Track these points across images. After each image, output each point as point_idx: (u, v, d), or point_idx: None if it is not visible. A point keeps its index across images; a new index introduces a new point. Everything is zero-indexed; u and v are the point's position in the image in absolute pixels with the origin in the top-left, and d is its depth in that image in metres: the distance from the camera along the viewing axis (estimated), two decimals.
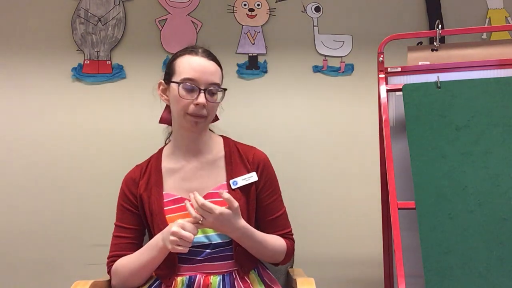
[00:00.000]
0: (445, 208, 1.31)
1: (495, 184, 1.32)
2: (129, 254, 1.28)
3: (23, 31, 2.09)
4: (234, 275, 1.25)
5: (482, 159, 1.35)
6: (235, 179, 1.27)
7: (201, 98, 1.21)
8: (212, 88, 1.24)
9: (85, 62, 2.08)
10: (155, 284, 1.26)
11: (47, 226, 2.03)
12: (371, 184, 1.88)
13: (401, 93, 1.49)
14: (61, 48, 2.08)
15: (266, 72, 2.11)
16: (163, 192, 1.28)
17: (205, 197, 1.24)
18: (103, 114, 2.08)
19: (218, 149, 1.34)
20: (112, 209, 2.09)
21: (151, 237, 1.29)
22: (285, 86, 2.12)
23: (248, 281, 1.27)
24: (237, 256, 1.26)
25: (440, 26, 1.58)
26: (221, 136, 1.41)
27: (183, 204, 1.24)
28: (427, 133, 1.41)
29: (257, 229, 1.29)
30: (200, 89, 1.21)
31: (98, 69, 2.08)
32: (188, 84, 1.21)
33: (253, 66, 2.10)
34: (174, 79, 1.23)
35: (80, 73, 2.07)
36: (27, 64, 2.08)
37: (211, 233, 1.25)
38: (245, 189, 1.28)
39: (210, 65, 1.24)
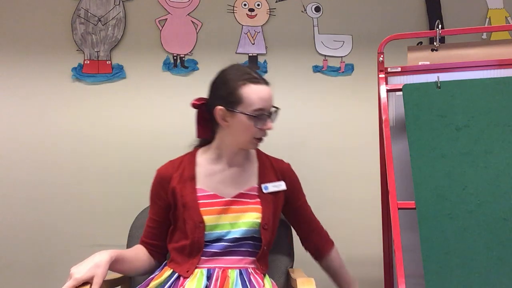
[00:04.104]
0: (445, 208, 1.31)
1: (495, 184, 1.32)
2: (152, 242, 1.38)
3: (23, 31, 2.09)
4: (250, 270, 1.30)
5: (482, 159, 1.35)
6: (266, 184, 1.37)
7: (270, 124, 1.31)
8: (273, 110, 1.33)
9: (85, 62, 2.08)
10: (173, 277, 1.29)
11: (47, 226, 2.03)
12: (371, 184, 1.87)
13: (401, 93, 1.49)
14: (61, 48, 2.08)
15: (266, 72, 2.11)
16: (196, 187, 1.34)
17: (237, 196, 1.33)
18: (103, 114, 2.08)
19: (254, 158, 1.44)
20: (111, 209, 2.10)
21: (175, 230, 1.35)
22: (285, 86, 2.12)
23: (261, 277, 1.31)
24: (260, 256, 1.32)
25: (440, 26, 1.58)
26: None
27: (217, 200, 1.31)
28: (427, 133, 1.40)
29: (296, 228, 1.47)
30: (267, 116, 1.30)
31: (98, 69, 2.08)
32: (260, 114, 1.28)
33: (253, 66, 2.10)
34: (242, 110, 1.28)
35: (80, 73, 2.07)
36: (27, 64, 2.08)
37: (236, 228, 1.30)
38: (274, 195, 1.38)
39: (270, 90, 1.32)
